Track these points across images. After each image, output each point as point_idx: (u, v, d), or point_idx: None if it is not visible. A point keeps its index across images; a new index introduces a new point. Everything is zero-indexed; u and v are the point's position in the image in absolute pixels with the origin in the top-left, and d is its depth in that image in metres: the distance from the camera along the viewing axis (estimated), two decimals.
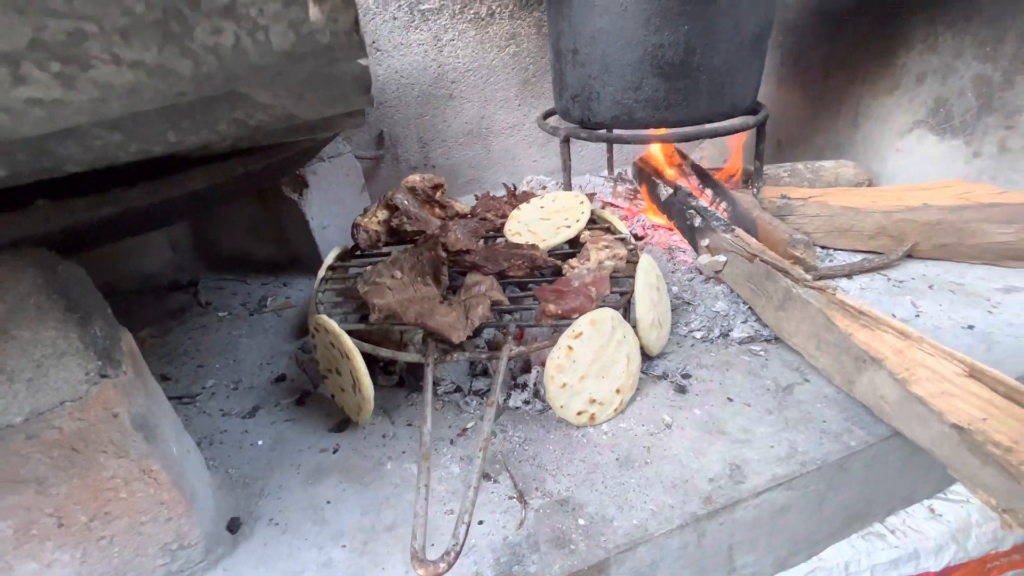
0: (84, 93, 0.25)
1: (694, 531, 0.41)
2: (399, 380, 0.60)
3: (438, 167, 1.20)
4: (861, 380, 0.48)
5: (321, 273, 0.68)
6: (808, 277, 0.56)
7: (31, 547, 0.34)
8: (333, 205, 0.86)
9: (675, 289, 0.71)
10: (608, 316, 0.50)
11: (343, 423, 0.56)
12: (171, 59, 0.25)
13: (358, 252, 0.73)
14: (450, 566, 0.34)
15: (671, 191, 0.83)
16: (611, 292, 0.56)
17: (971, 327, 0.60)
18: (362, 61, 0.30)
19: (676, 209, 0.80)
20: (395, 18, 1.03)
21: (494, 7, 1.08)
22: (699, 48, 0.69)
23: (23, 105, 0.24)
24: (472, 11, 1.07)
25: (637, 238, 0.86)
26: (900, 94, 0.90)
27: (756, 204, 0.78)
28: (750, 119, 0.77)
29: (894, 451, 0.47)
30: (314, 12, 0.27)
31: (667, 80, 0.72)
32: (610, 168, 1.18)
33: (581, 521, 0.42)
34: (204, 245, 0.95)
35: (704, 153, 1.29)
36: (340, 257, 0.72)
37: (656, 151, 0.98)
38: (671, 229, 0.85)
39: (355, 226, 0.72)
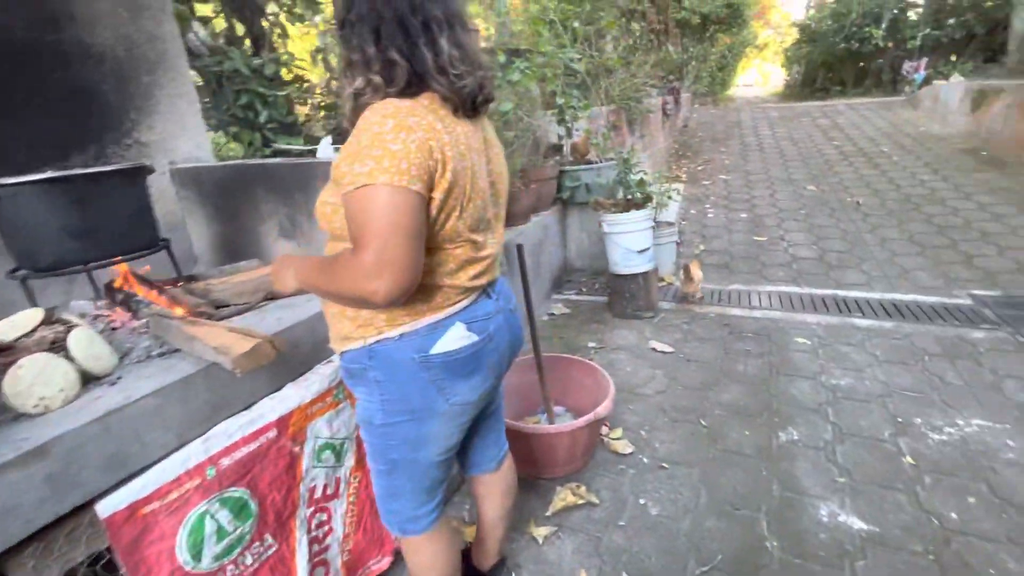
0: None
1: (103, 424, 0.93)
2: None
3: None
4: (194, 345, 1.12)
5: None
6: (179, 313, 1.19)
7: None
8: None
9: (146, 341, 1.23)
10: (38, 358, 0.98)
11: None
12: None
13: None
14: None
15: (123, 294, 1.36)
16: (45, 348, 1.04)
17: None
18: None
19: (125, 300, 1.33)
20: None
21: None
22: (100, 222, 1.27)
23: None
24: None
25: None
26: (269, 226, 1.73)
27: (180, 292, 1.40)
28: (154, 248, 1.40)
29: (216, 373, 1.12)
30: None
31: (81, 237, 1.27)
32: (95, 287, 1.61)
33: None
34: None
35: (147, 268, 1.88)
36: None
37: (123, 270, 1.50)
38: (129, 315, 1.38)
39: None
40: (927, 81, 10.90)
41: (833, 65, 13.65)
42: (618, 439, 1.90)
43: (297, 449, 1.10)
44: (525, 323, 1.72)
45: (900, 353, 2.36)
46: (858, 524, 1.48)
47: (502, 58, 2.97)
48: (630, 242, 2.82)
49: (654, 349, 2.57)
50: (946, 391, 2.05)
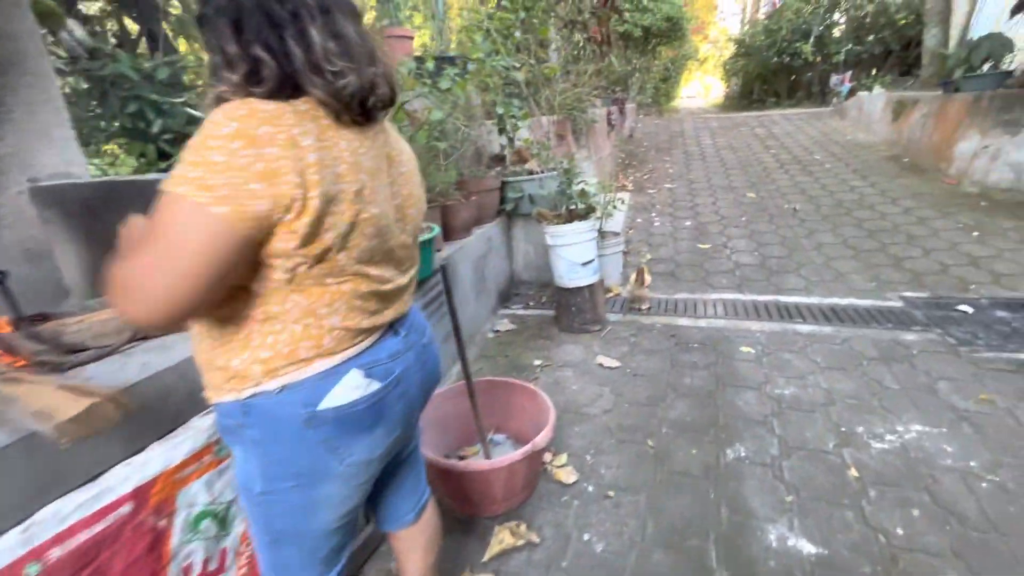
0: None
1: None
2: None
3: None
4: (12, 408, 0.91)
5: None
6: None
7: None
8: None
9: None
10: None
11: None
12: None
13: None
14: None
15: None
16: None
17: None
18: None
19: None
20: None
21: None
22: None
23: None
24: None
25: None
26: None
27: (18, 336, 1.18)
28: None
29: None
30: None
31: None
32: None
33: None
34: None
35: None
36: None
37: None
38: None
39: None
40: (852, 93, 11.67)
41: (768, 78, 14.37)
42: (562, 466, 1.79)
43: (163, 523, 0.91)
44: (464, 347, 1.57)
45: (840, 358, 2.37)
46: (807, 548, 1.42)
47: (431, 65, 2.85)
48: (574, 254, 2.74)
49: (601, 365, 2.49)
50: (885, 396, 2.06)
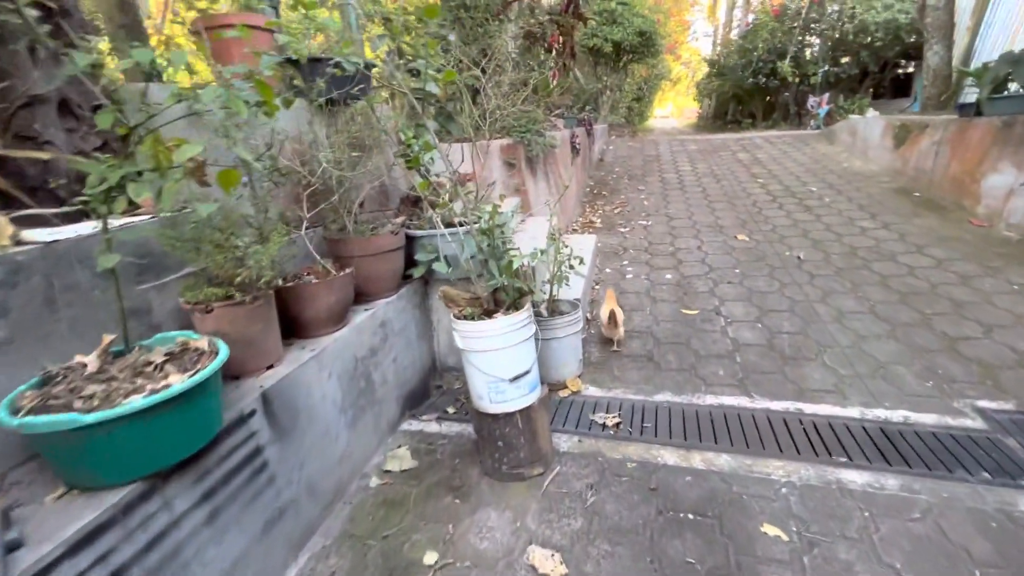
0: None
1: None
2: None
3: None
4: None
5: None
6: None
7: None
8: None
9: None
10: None
11: None
12: None
13: None
14: None
15: None
16: None
17: None
18: None
19: None
20: None
21: None
22: None
23: None
24: None
25: None
26: None
27: None
28: None
29: None
30: None
31: None
32: None
33: None
34: None
35: None
36: None
37: None
38: None
39: None
40: (830, 115, 11.17)
41: (743, 98, 13.87)
42: None
43: None
44: None
45: (930, 558, 1.41)
46: None
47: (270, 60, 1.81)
48: (497, 365, 1.73)
49: (534, 568, 1.47)
50: None
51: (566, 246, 2.52)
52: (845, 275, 3.35)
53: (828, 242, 3.91)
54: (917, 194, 4.65)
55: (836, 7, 11.47)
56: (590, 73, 9.59)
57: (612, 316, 2.68)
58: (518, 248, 1.96)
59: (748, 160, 6.86)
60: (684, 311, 3.11)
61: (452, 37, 3.57)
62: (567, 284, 2.56)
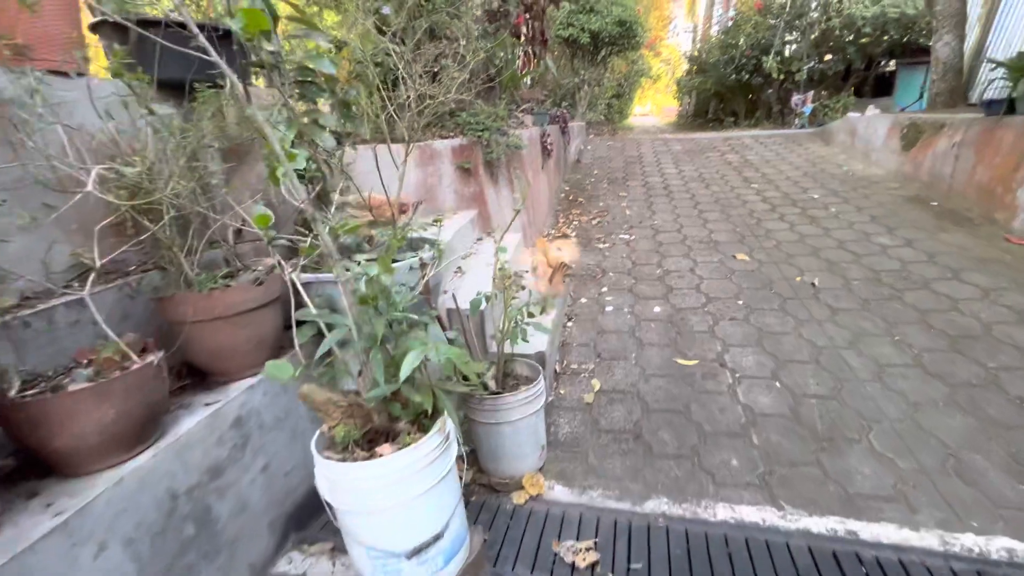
0: None
1: None
2: None
3: None
4: None
5: None
6: None
7: None
8: None
9: None
10: None
11: None
12: None
13: None
14: None
15: None
16: None
17: None
18: None
19: None
20: None
21: None
22: None
23: None
24: None
25: None
26: None
27: None
28: None
29: None
30: None
31: None
32: None
33: None
34: None
35: None
36: None
37: None
38: None
39: None
40: (814, 114, 10.71)
41: (725, 96, 13.37)
42: None
43: None
44: None
45: None
46: None
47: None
48: (383, 533, 1.01)
49: None
50: None
51: (522, 287, 1.82)
52: (874, 309, 2.72)
53: (844, 264, 3.28)
54: (935, 203, 4.07)
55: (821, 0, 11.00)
56: (566, 66, 8.91)
57: (555, 269, 1.86)
58: (430, 318, 1.23)
59: (738, 162, 6.25)
60: (679, 361, 2.44)
61: (387, 10, 2.84)
62: (525, 340, 1.85)
